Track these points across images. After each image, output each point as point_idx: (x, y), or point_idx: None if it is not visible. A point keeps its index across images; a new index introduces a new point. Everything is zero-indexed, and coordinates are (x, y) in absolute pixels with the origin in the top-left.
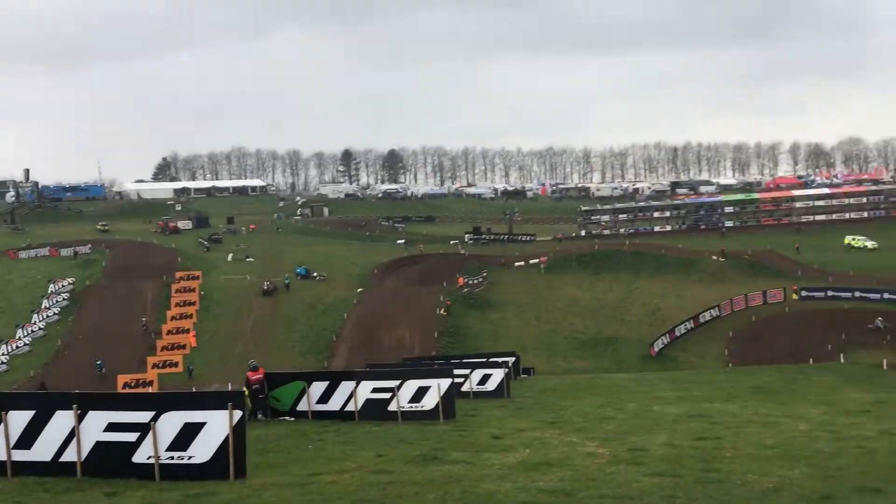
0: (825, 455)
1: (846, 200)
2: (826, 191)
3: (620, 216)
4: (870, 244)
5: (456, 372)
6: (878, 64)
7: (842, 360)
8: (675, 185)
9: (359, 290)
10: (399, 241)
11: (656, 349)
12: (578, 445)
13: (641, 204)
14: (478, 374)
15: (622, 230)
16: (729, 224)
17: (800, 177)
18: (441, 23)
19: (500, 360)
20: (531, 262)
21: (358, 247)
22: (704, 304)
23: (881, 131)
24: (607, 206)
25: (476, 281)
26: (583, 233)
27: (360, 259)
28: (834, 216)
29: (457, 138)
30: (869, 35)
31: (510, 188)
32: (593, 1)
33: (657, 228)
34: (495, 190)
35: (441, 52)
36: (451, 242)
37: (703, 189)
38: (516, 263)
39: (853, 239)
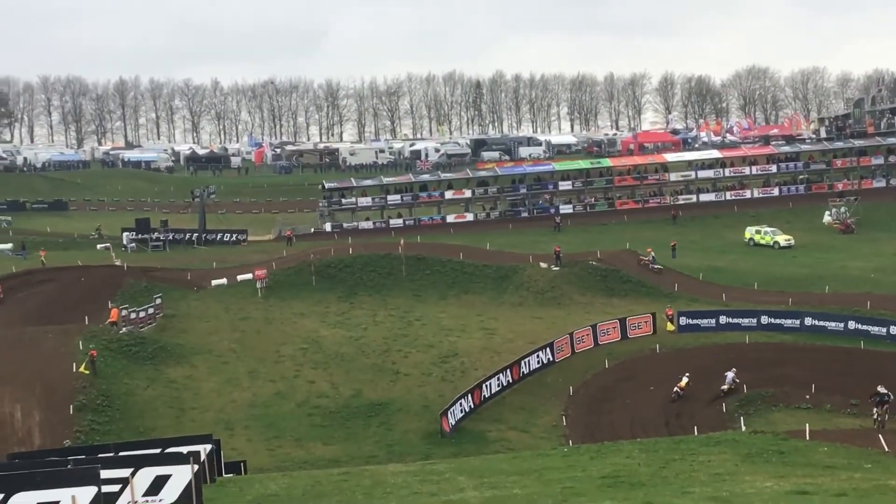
0: None
1: (746, 170)
2: (716, 153)
3: (391, 197)
4: (782, 239)
5: (105, 474)
6: None
7: (742, 427)
8: (478, 143)
9: None
10: (3, 247)
11: (452, 420)
12: None
13: (425, 177)
14: (146, 477)
15: (394, 219)
16: (566, 210)
17: (674, 131)
18: None
19: (185, 450)
20: (240, 278)
21: None
22: (528, 343)
23: (794, 57)
24: (367, 181)
25: (144, 314)
26: (328, 226)
27: None
28: (728, 195)
29: (104, 63)
30: None
31: (202, 150)
32: None
33: (451, 217)
34: (175, 153)
35: None
36: (99, 247)
37: (524, 151)
38: (214, 282)
39: (757, 231)
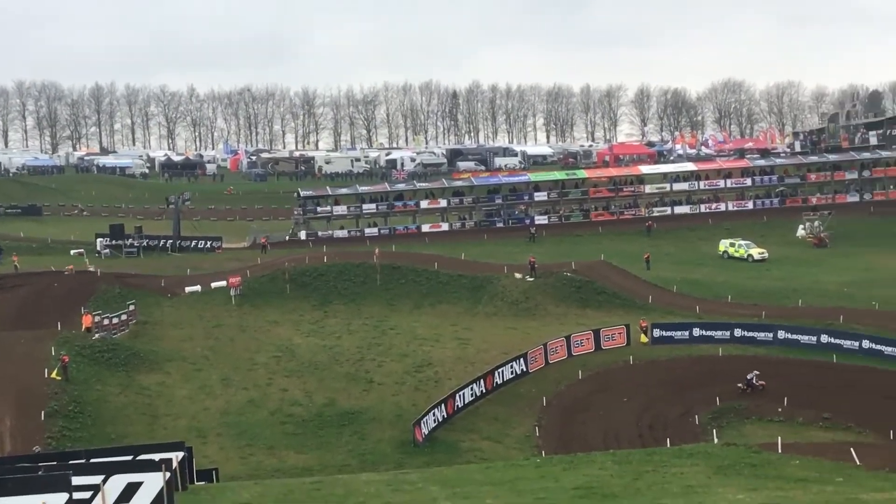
0: None
1: (721, 183)
2: (691, 166)
3: (366, 206)
4: (756, 252)
5: (76, 481)
6: None
7: (715, 440)
8: (454, 153)
9: None
10: None
11: (425, 430)
12: None
13: (400, 186)
14: (117, 484)
15: (369, 228)
16: (541, 221)
17: (650, 143)
18: None
19: (157, 457)
20: (214, 285)
21: None
22: (502, 353)
23: (770, 71)
24: (343, 190)
25: (117, 320)
26: (303, 234)
27: None
28: (703, 208)
29: (80, 68)
30: None
31: (177, 157)
32: None
33: (427, 227)
34: (150, 159)
35: None
36: (73, 253)
37: (500, 162)
38: (188, 289)
39: (731, 244)
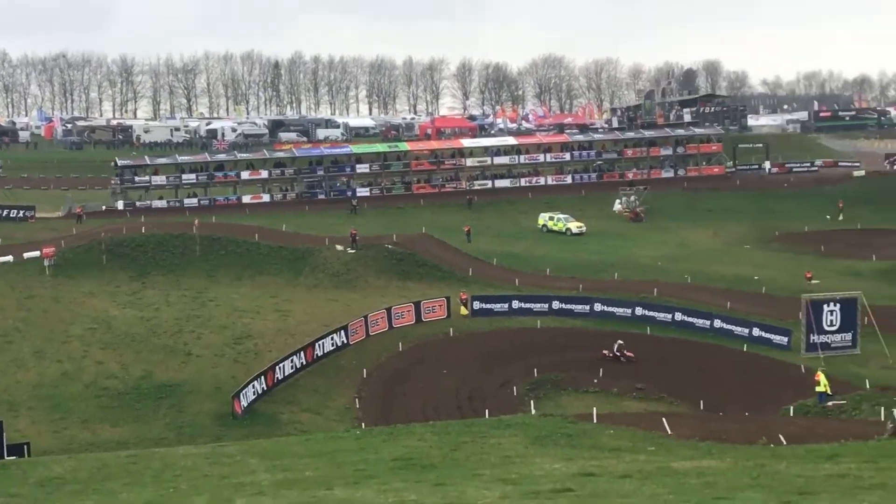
0: None
1: (541, 157)
2: (512, 140)
3: (186, 176)
4: (574, 226)
5: None
6: None
7: (532, 411)
8: (276, 124)
9: None
10: None
11: (245, 402)
12: None
13: (221, 156)
14: None
15: (188, 198)
16: (363, 193)
17: (471, 117)
18: None
19: None
20: (27, 255)
21: None
22: (323, 325)
23: (587, 49)
24: (161, 160)
25: None
26: (120, 204)
27: None
28: (523, 181)
29: None
30: None
31: None
32: None
33: (247, 198)
34: None
35: None
36: None
37: (322, 133)
38: (0, 259)
39: (550, 218)
